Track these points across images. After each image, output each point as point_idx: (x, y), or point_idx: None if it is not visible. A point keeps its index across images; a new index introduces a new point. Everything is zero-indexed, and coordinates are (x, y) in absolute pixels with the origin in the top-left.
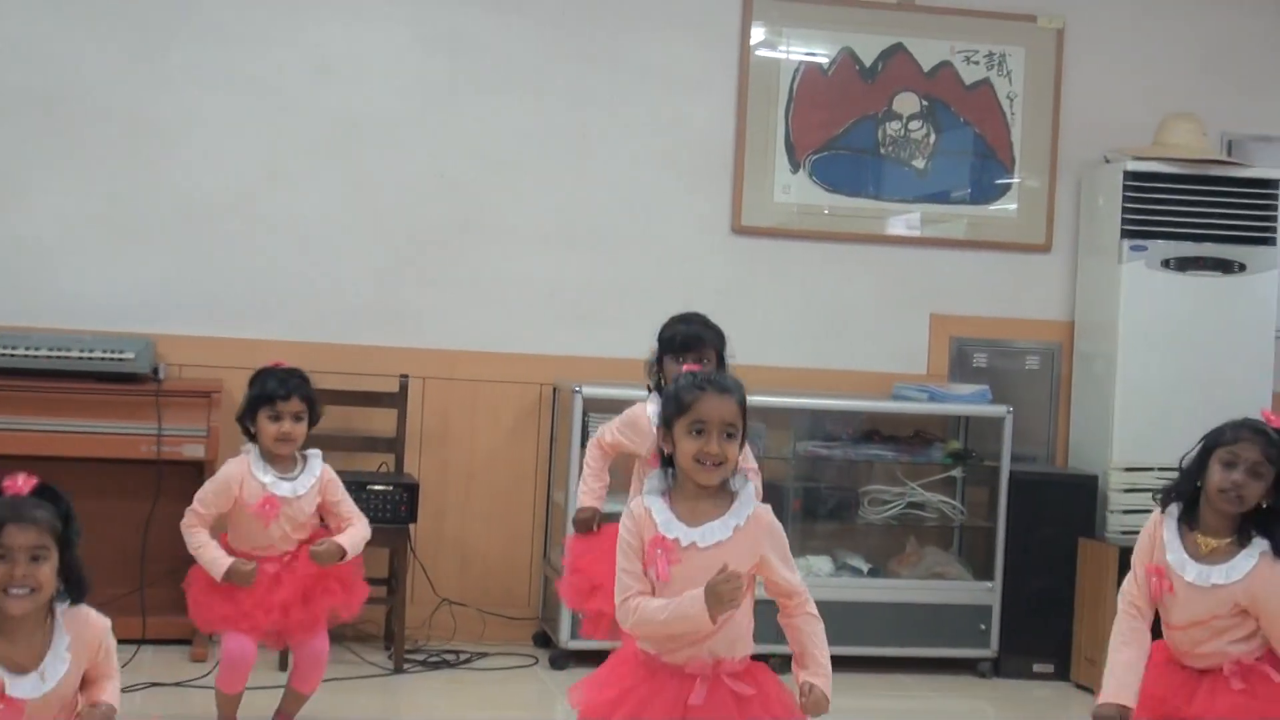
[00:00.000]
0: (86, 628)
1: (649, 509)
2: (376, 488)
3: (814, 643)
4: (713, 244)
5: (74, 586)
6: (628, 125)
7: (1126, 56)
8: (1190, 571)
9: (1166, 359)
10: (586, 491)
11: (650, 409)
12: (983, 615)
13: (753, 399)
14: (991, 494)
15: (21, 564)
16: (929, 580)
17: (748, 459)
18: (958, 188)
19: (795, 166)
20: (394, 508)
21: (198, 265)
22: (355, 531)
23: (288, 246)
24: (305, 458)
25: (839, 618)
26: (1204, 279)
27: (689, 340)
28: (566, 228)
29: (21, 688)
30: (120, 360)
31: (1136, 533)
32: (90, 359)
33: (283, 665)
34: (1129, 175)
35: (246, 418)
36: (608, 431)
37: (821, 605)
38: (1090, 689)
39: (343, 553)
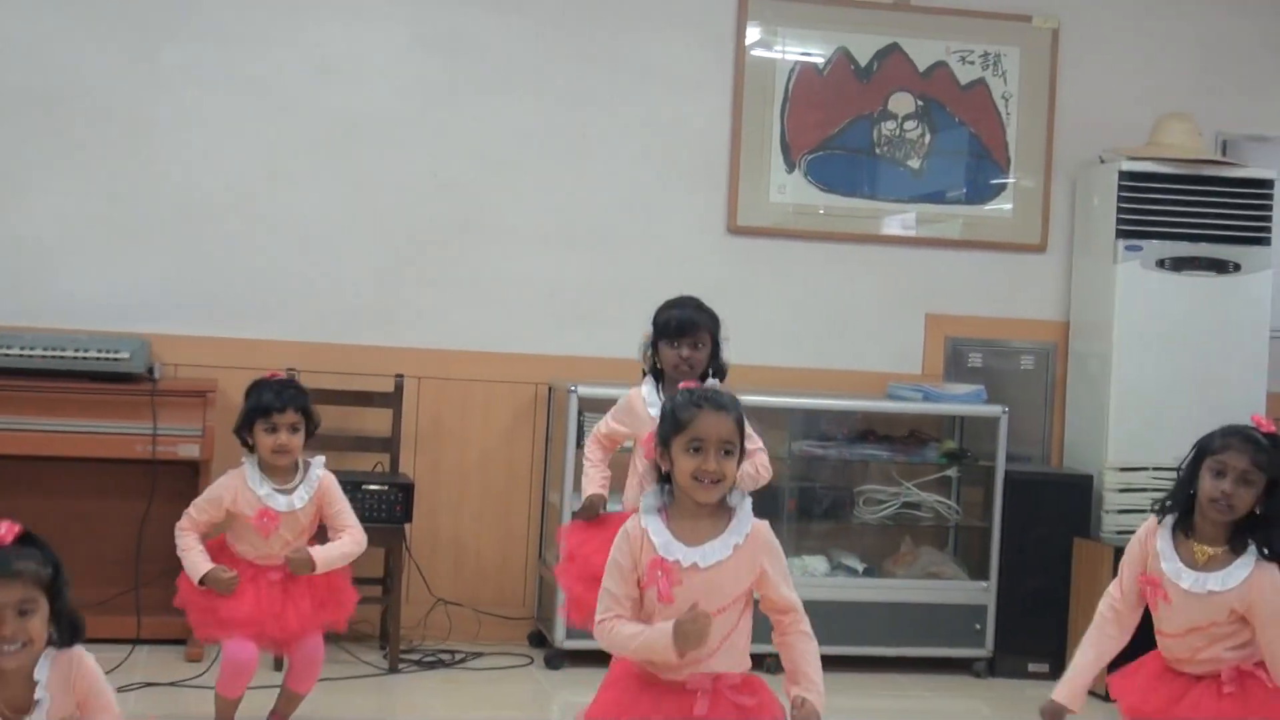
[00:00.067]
0: (74, 669)
1: (646, 530)
2: (371, 487)
3: (807, 660)
4: (708, 244)
5: (65, 631)
6: (623, 125)
7: (1121, 57)
8: (1186, 579)
9: (1161, 359)
10: (589, 481)
11: (644, 391)
12: (978, 615)
13: (748, 398)
14: (986, 494)
15: (10, 621)
16: (924, 580)
17: (752, 439)
18: (953, 188)
19: (791, 166)
20: (389, 507)
21: (193, 265)
22: (336, 546)
23: (284, 246)
24: (307, 465)
25: (834, 617)
26: (1199, 279)
27: (683, 325)
28: (562, 227)
29: None
30: (115, 360)
31: (1131, 532)
32: (85, 359)
33: (278, 665)
34: (1124, 175)
35: (243, 430)
36: (603, 424)
37: (817, 605)
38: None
39: (313, 566)
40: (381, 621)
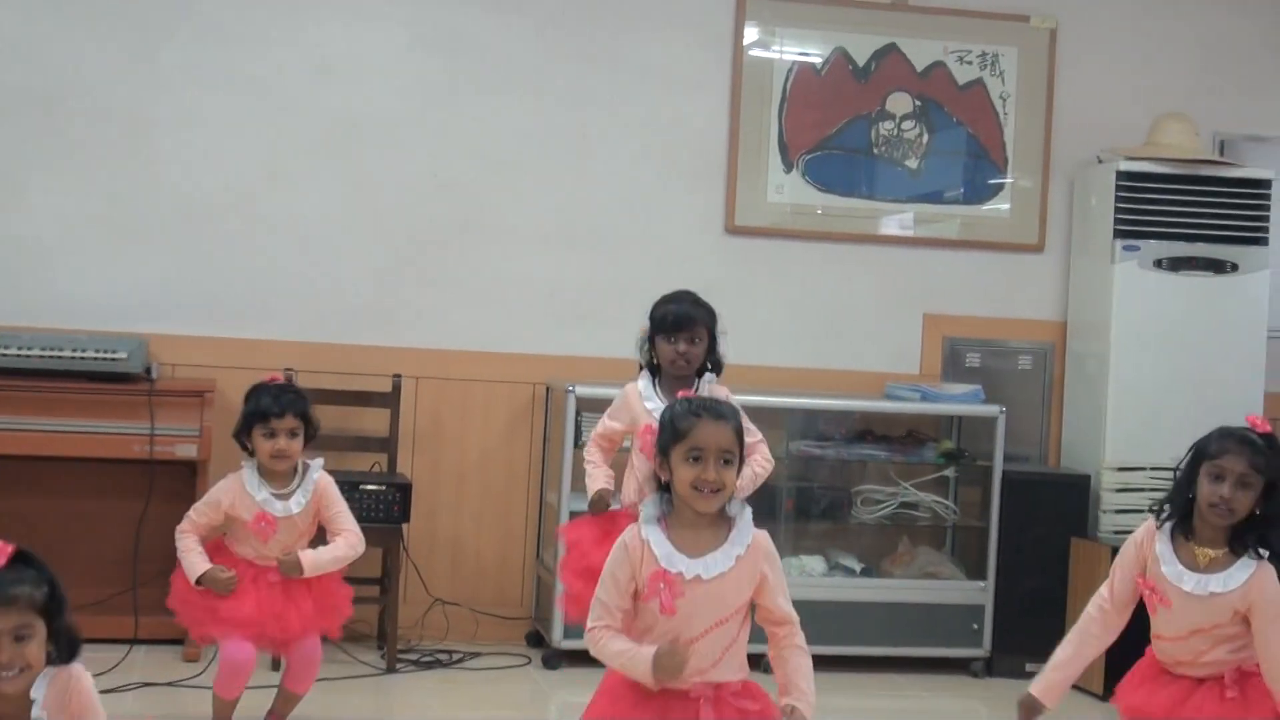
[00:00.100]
0: (70, 687)
1: (648, 541)
2: (369, 487)
3: (800, 674)
4: (706, 244)
5: (64, 649)
6: (622, 125)
7: (1119, 57)
8: (1188, 582)
9: (1159, 359)
10: (593, 480)
11: (640, 386)
12: (975, 615)
13: (745, 398)
14: (984, 494)
15: (6, 648)
16: (922, 580)
17: (751, 432)
18: (951, 188)
19: (789, 166)
20: (387, 507)
21: (192, 265)
22: (329, 550)
23: (283, 246)
24: (305, 468)
25: (832, 618)
26: (1196, 279)
27: (680, 319)
28: (561, 227)
29: None
30: (113, 360)
31: (1129, 532)
32: (83, 359)
33: (276, 665)
34: (1121, 175)
35: (242, 434)
36: (600, 425)
37: (814, 605)
38: (1083, 689)
39: (301, 570)
40: (379, 621)
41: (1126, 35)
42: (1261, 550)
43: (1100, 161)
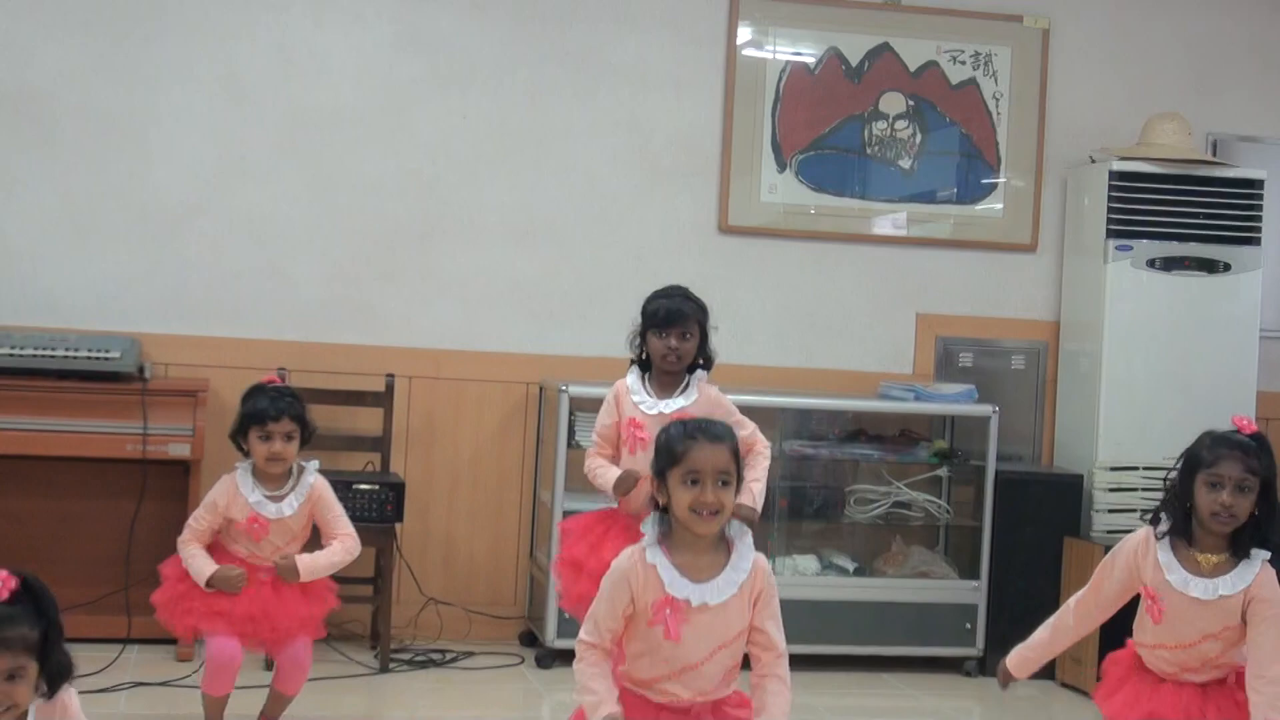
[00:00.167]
0: (51, 713)
1: (654, 565)
2: (362, 487)
3: (777, 705)
4: (699, 243)
5: (56, 681)
6: (614, 124)
7: (1112, 57)
8: (1195, 588)
9: (1152, 359)
10: (608, 470)
11: (629, 381)
12: (968, 614)
13: (739, 398)
14: (977, 493)
15: None
16: (915, 579)
17: (743, 425)
18: (944, 187)
19: (782, 166)
20: (380, 507)
21: (184, 264)
22: (325, 555)
23: (275, 246)
24: (300, 471)
25: (825, 617)
26: (1189, 279)
27: (671, 315)
28: (553, 227)
29: None
30: (106, 359)
31: (1121, 532)
32: (76, 358)
33: (268, 665)
34: (1114, 175)
35: (238, 436)
36: (595, 434)
37: (808, 604)
38: (1075, 688)
39: (297, 575)
40: (372, 621)
41: (1119, 35)
42: (1262, 550)
43: (1093, 161)
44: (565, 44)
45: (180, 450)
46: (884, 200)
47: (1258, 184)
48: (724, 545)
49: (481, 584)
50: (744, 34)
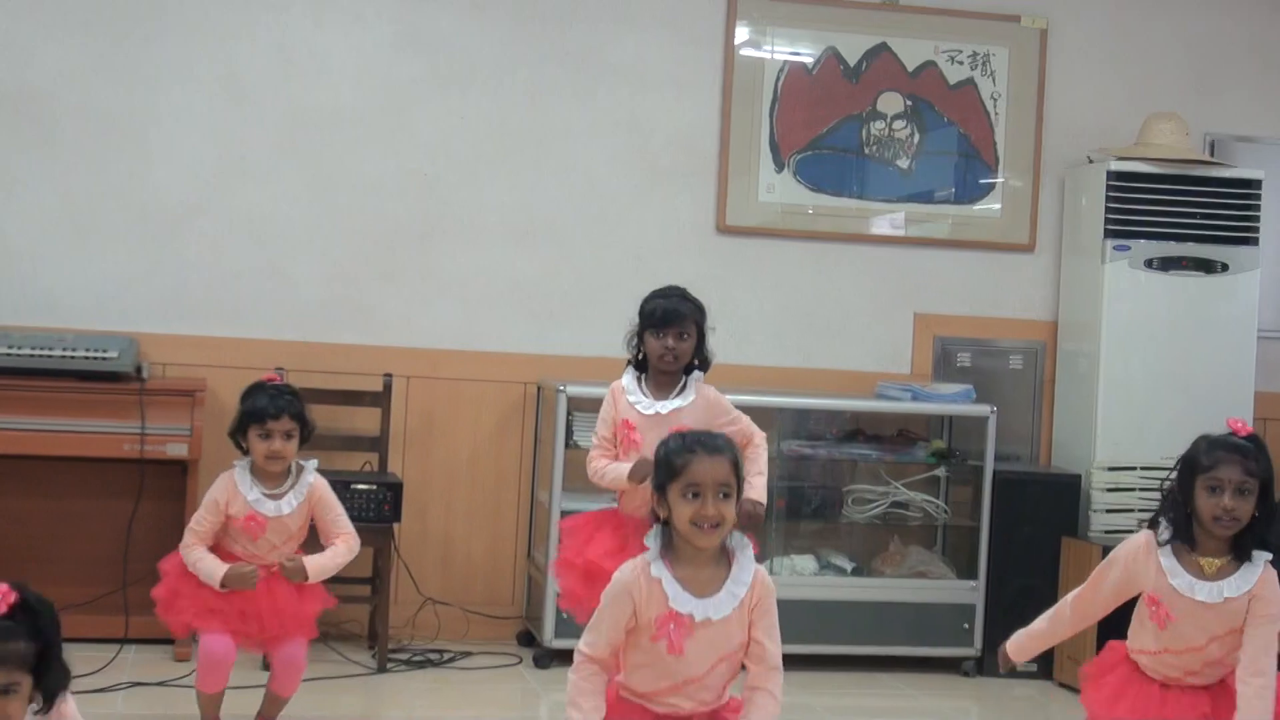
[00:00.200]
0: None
1: (659, 580)
2: (360, 487)
3: (763, 717)
4: (697, 243)
5: (50, 695)
6: (612, 124)
7: (1110, 57)
8: (1201, 592)
9: (1149, 359)
10: (617, 466)
11: (625, 381)
12: (966, 614)
13: (736, 397)
14: (975, 493)
15: None
16: (913, 579)
17: (736, 420)
18: (942, 187)
19: (780, 166)
20: (378, 507)
21: (182, 264)
22: (330, 555)
23: (275, 246)
24: (299, 470)
25: (823, 617)
26: (1187, 279)
27: (668, 315)
28: (551, 227)
29: None
30: (104, 359)
31: (1119, 532)
32: (74, 358)
33: (265, 666)
34: (1112, 175)
35: (238, 433)
36: (595, 437)
37: (805, 604)
38: (1073, 688)
39: (305, 575)
40: (370, 621)
41: (1117, 35)
42: (1263, 552)
43: (1091, 161)
44: (565, 44)
45: (178, 450)
46: (882, 200)
47: (1255, 184)
48: (725, 558)
49: (479, 584)
50: (742, 34)
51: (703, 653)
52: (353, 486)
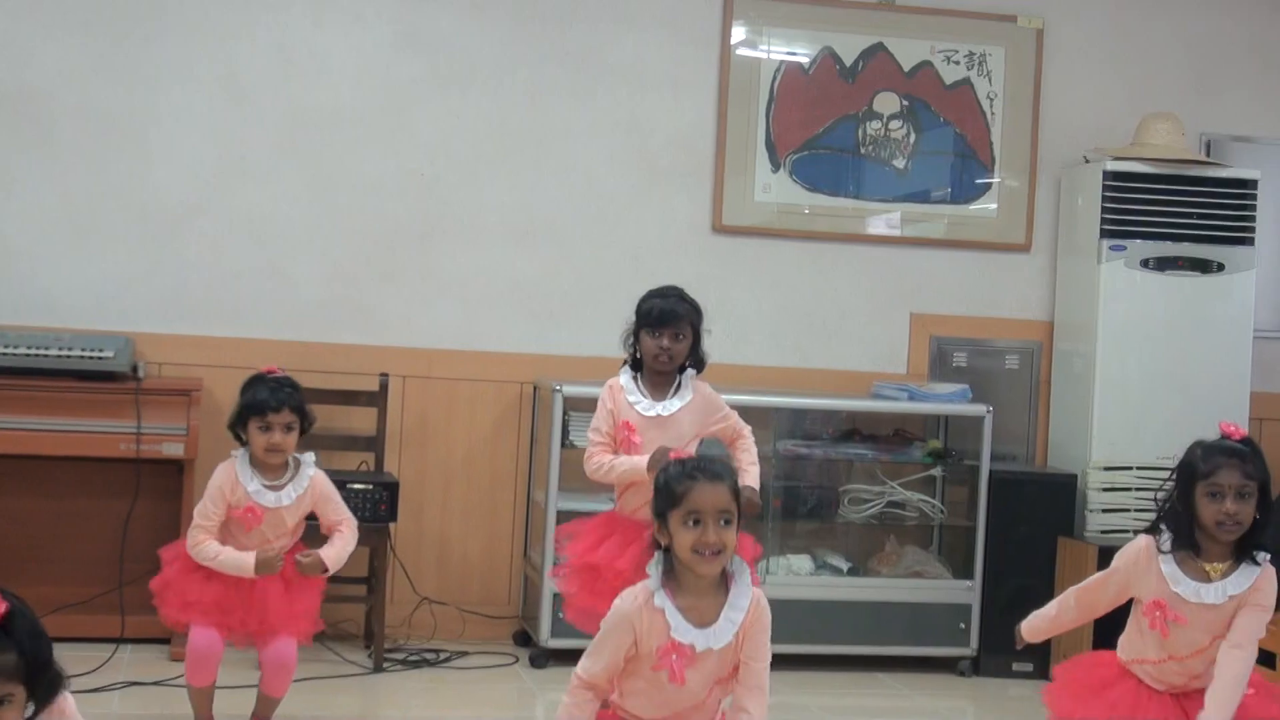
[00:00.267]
0: (49, 716)
1: (662, 611)
2: (356, 486)
3: (755, 709)
4: (693, 243)
5: (42, 702)
6: (609, 124)
7: (1106, 57)
8: (1208, 594)
9: (1145, 359)
10: (625, 459)
11: (623, 380)
12: (962, 614)
13: (732, 397)
14: (971, 493)
15: None
16: (909, 579)
17: (728, 417)
18: (938, 187)
19: (776, 166)
20: (374, 506)
21: (178, 263)
22: (340, 544)
23: (269, 245)
24: (297, 463)
25: (819, 617)
26: (1183, 279)
27: (665, 315)
28: (548, 227)
29: None
30: (100, 359)
31: (1115, 532)
32: (69, 357)
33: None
34: (1108, 175)
35: (237, 425)
36: (593, 434)
37: (801, 604)
38: None
39: (325, 567)
40: (366, 621)
41: (1113, 35)
42: (1263, 553)
43: (1087, 161)
44: (565, 44)
45: (174, 449)
46: (878, 200)
47: (1251, 184)
48: (724, 583)
49: (475, 584)
50: (738, 34)
51: (702, 680)
52: (349, 486)
